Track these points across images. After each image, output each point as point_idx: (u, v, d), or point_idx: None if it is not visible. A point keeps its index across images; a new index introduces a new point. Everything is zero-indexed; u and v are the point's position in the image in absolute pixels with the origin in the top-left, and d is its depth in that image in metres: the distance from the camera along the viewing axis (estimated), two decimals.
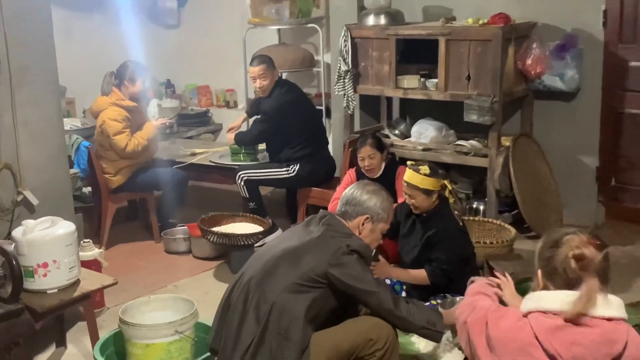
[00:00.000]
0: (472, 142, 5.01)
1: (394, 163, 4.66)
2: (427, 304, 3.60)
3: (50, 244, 3.29)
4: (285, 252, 2.84)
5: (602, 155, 5.10)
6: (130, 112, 4.96)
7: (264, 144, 5.32)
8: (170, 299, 3.36)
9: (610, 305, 1.95)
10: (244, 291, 2.80)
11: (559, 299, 1.96)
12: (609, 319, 1.93)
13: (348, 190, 3.04)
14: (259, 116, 5.33)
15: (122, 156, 4.93)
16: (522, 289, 2.72)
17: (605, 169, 5.11)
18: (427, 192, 3.63)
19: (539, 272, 2.05)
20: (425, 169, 3.62)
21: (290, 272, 2.77)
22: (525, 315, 2.01)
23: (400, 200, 4.18)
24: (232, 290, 2.89)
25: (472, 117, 4.65)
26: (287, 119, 5.00)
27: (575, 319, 1.92)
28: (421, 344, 3.13)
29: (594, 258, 1.94)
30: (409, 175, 3.66)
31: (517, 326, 1.99)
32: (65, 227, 3.39)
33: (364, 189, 3.00)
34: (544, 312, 1.97)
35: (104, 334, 3.35)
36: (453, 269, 3.60)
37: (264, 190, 5.39)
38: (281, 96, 5.05)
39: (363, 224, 2.94)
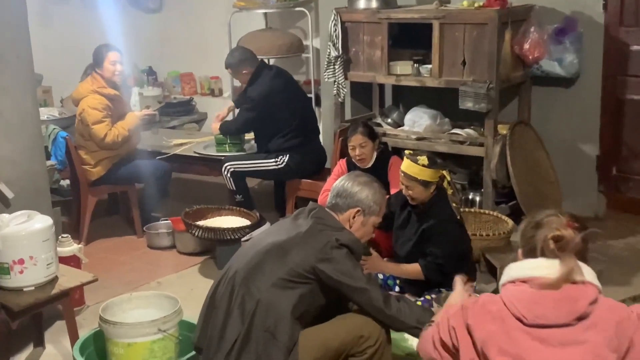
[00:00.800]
0: (468, 130, 5.02)
1: (386, 153, 4.65)
2: (422, 299, 3.62)
3: (26, 239, 3.28)
4: (271, 246, 2.83)
5: (602, 144, 5.12)
6: (112, 100, 4.94)
7: (252, 133, 5.30)
8: (153, 296, 3.36)
9: (582, 273, 2.10)
10: (229, 287, 2.80)
11: (524, 267, 2.14)
12: (574, 282, 2.07)
13: (339, 181, 3.04)
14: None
15: (101, 146, 4.92)
16: None
17: (606, 157, 5.13)
18: (425, 184, 3.63)
19: (520, 250, 2.21)
20: (423, 159, 3.61)
21: (277, 267, 2.76)
22: (500, 290, 2.19)
23: (393, 191, 4.19)
24: (217, 287, 2.88)
25: (467, 104, 4.66)
26: (275, 106, 4.98)
27: (539, 284, 2.08)
28: (414, 342, 3.14)
29: (572, 239, 2.09)
30: (406, 165, 3.65)
31: (490, 299, 2.17)
32: (42, 222, 3.37)
33: (355, 180, 3.00)
34: (513, 282, 2.15)
35: (83, 333, 3.34)
36: (448, 263, 3.60)
37: (251, 182, 5.39)
38: (268, 81, 5.03)
39: (354, 217, 2.94)
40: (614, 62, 4.99)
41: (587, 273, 2.12)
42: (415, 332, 2.76)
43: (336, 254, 2.76)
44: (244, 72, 5.10)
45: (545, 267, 2.11)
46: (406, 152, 3.80)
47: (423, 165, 3.60)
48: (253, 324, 2.70)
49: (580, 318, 2.06)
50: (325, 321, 2.82)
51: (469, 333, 2.15)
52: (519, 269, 2.17)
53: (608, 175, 5.17)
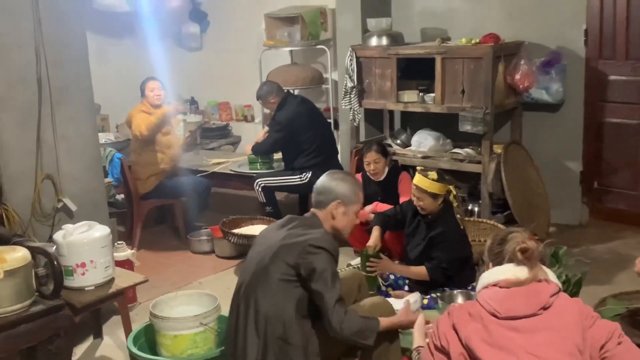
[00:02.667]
0: (467, 150, 5.00)
1: (397, 168, 4.67)
2: (428, 296, 3.61)
3: (87, 246, 3.31)
4: (264, 254, 2.73)
5: (585, 161, 5.08)
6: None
7: (280, 153, 5.32)
8: (195, 294, 3.36)
9: (545, 273, 2.24)
10: (241, 302, 2.73)
11: (494, 273, 2.26)
12: (538, 281, 2.20)
13: (318, 181, 2.93)
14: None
15: (141, 139, 4.94)
16: None
17: (589, 173, 5.09)
18: (434, 196, 3.65)
19: (490, 264, 2.32)
20: (433, 174, 3.65)
21: (272, 273, 2.67)
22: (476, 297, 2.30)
23: (402, 200, 4.22)
24: (234, 300, 2.81)
25: (466, 127, 4.64)
26: (300, 129, 4.99)
27: (511, 283, 2.21)
28: None
29: (536, 249, 2.23)
30: (418, 179, 3.68)
31: (469, 304, 2.28)
32: (100, 231, 3.41)
33: (331, 177, 2.89)
34: (487, 287, 2.25)
35: (136, 327, 3.36)
36: (451, 267, 3.61)
37: (279, 196, 5.39)
38: (293, 108, 5.05)
39: (336, 209, 2.84)
40: (594, 90, 4.95)
41: (549, 274, 2.25)
42: (353, 341, 2.66)
43: (312, 257, 2.63)
44: (272, 101, 5.12)
45: (512, 271, 2.23)
46: (418, 168, 3.83)
47: (433, 180, 3.62)
48: (267, 336, 2.63)
49: (545, 307, 2.16)
50: None
51: (455, 332, 2.22)
52: (490, 275, 2.27)
53: (590, 188, 5.12)
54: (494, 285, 2.24)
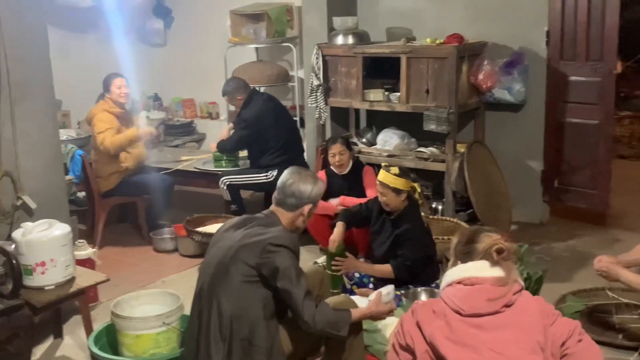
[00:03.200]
0: (431, 148, 5.04)
1: (360, 163, 4.74)
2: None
3: (47, 245, 3.26)
4: (224, 256, 2.70)
5: (546, 160, 5.16)
6: (119, 118, 4.94)
7: (245, 151, 5.29)
8: (158, 294, 3.33)
9: (517, 274, 2.30)
10: (203, 305, 2.69)
11: (457, 271, 2.30)
12: (503, 283, 2.23)
13: (286, 179, 2.87)
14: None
15: (103, 156, 4.88)
16: None
17: (549, 172, 5.17)
18: (397, 191, 3.68)
19: (458, 262, 2.35)
20: (395, 169, 3.69)
21: (234, 275, 2.65)
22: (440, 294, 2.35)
23: (368, 193, 4.29)
24: (194, 303, 2.78)
25: (431, 126, 4.68)
26: (265, 127, 4.97)
27: (474, 282, 2.24)
28: (387, 332, 3.14)
29: (511, 249, 2.29)
30: (382, 175, 3.71)
31: (433, 302, 2.33)
32: (61, 229, 3.35)
33: (302, 178, 2.84)
34: (450, 285, 2.30)
35: (97, 326, 3.31)
36: (416, 265, 3.64)
37: (245, 194, 5.37)
38: (260, 105, 5.04)
39: (308, 211, 2.83)
40: (555, 90, 5.04)
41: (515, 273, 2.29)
42: (326, 333, 2.66)
43: (274, 256, 2.62)
44: (238, 98, 5.10)
45: (478, 269, 2.26)
46: (382, 164, 3.87)
47: (395, 175, 3.65)
48: (232, 339, 2.60)
49: (507, 305, 2.20)
50: None
51: (420, 330, 2.24)
52: (452, 273, 2.32)
53: (551, 187, 5.21)
54: (458, 282, 2.27)
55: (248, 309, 2.62)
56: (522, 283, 2.30)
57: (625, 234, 4.89)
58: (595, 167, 4.99)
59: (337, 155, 4.55)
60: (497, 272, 2.25)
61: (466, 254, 2.31)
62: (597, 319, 3.63)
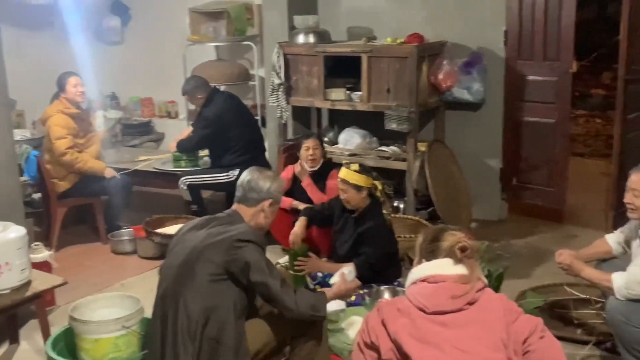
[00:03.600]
0: (393, 147, 5.07)
1: (329, 164, 4.74)
2: (356, 293, 3.63)
3: (2, 248, 3.16)
4: (188, 258, 2.67)
5: (504, 158, 5.24)
6: (75, 119, 4.84)
7: (206, 151, 5.24)
8: (117, 297, 3.27)
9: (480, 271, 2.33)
10: (168, 308, 2.64)
11: (421, 269, 2.33)
12: (466, 282, 2.26)
13: (246, 176, 2.90)
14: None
15: (57, 161, 4.78)
16: None
17: (508, 170, 5.25)
18: (357, 188, 3.69)
19: (423, 260, 2.36)
20: (355, 166, 3.73)
21: (200, 275, 2.62)
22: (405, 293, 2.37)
23: (329, 196, 4.29)
24: (157, 307, 2.74)
25: (392, 125, 4.71)
26: (227, 126, 4.93)
27: (438, 279, 2.27)
28: (350, 332, 3.14)
29: (474, 247, 2.32)
30: (342, 172, 3.74)
31: (398, 300, 2.35)
32: (16, 231, 3.26)
33: (262, 175, 2.87)
34: (414, 283, 2.32)
35: (55, 331, 3.23)
36: (379, 263, 3.65)
37: (205, 194, 5.32)
38: (221, 104, 4.99)
39: (267, 207, 2.84)
40: (513, 89, 5.12)
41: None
42: (310, 318, 2.69)
43: (242, 252, 2.61)
44: (198, 97, 5.04)
45: (442, 266, 2.28)
46: (344, 161, 3.89)
47: (355, 171, 3.68)
48: (202, 340, 2.58)
49: (471, 303, 2.22)
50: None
51: (384, 328, 2.25)
52: (418, 271, 2.33)
53: (509, 184, 5.29)
54: (422, 280, 2.29)
55: (217, 309, 2.59)
56: (485, 281, 2.33)
57: (581, 230, 4.99)
58: (553, 165, 5.08)
59: (311, 149, 4.55)
60: (461, 269, 2.28)
61: (430, 253, 2.34)
62: (556, 315, 3.70)
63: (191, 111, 6.38)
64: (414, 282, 2.33)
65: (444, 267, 2.29)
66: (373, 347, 2.27)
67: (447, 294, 2.23)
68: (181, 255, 2.71)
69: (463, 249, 2.29)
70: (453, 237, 2.32)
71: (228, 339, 2.58)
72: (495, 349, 2.16)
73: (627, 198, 3.02)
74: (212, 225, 2.78)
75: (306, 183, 4.52)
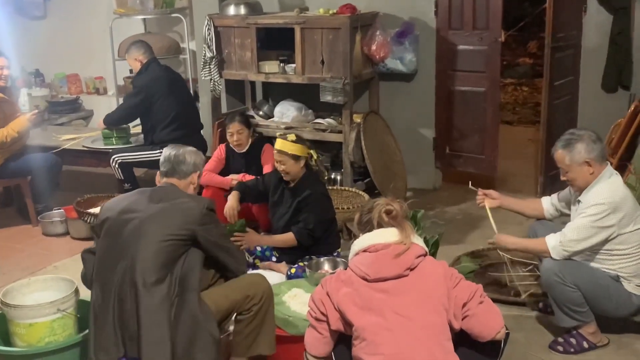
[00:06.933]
0: (329, 120, 5.07)
1: (261, 140, 4.67)
2: (295, 265, 3.64)
3: None
4: (145, 230, 2.64)
5: (437, 127, 5.32)
6: None
7: (139, 128, 5.08)
8: (50, 279, 3.17)
9: (413, 237, 2.36)
10: (127, 286, 2.59)
11: (363, 240, 2.36)
12: (402, 243, 2.30)
13: (170, 151, 2.90)
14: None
15: None
16: None
17: (441, 139, 5.34)
18: (295, 158, 3.70)
19: (360, 234, 2.41)
20: (292, 136, 3.74)
21: (161, 244, 2.60)
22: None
23: (265, 171, 4.24)
24: (109, 290, 2.64)
25: (327, 97, 4.70)
26: (157, 96, 4.74)
27: (379, 248, 2.30)
28: (291, 304, 3.15)
29: (400, 209, 2.37)
30: (279, 143, 3.72)
31: (341, 272, 2.38)
32: None
33: (184, 149, 2.92)
34: (357, 254, 2.36)
35: None
36: (317, 229, 3.67)
37: (139, 172, 5.19)
38: (154, 73, 4.80)
39: (195, 179, 2.91)
40: (444, 59, 5.18)
41: (415, 237, 2.36)
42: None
43: (211, 219, 2.74)
44: (136, 58, 4.80)
45: (380, 235, 2.32)
46: (277, 134, 3.86)
47: (292, 141, 3.68)
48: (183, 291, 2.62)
49: (411, 268, 2.26)
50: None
51: (330, 299, 2.29)
52: (359, 242, 2.37)
53: (443, 153, 5.38)
54: (364, 251, 2.32)
55: (190, 273, 2.64)
56: (425, 247, 2.37)
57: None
58: (483, 133, 5.20)
59: (235, 134, 4.44)
60: (397, 235, 2.32)
61: (365, 225, 2.39)
62: (491, 278, 3.81)
63: (120, 87, 6.20)
64: (356, 254, 2.36)
65: (383, 235, 2.32)
66: (323, 319, 2.31)
67: (387, 261, 2.26)
68: (134, 230, 2.65)
69: (388, 212, 2.34)
70: (378, 204, 2.39)
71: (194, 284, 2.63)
72: (435, 313, 2.21)
73: (562, 176, 3.12)
74: (161, 196, 2.74)
75: (240, 178, 4.39)
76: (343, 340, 2.34)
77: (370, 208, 2.41)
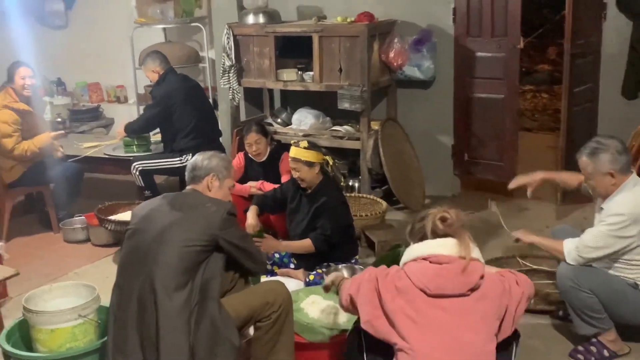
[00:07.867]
0: (346, 127, 5.08)
1: (279, 149, 4.68)
2: (314, 272, 3.65)
3: None
4: (167, 236, 2.67)
5: (456, 135, 5.31)
6: (22, 114, 4.69)
7: (158, 136, 5.14)
8: (71, 286, 3.20)
9: (472, 250, 2.25)
10: (147, 296, 2.62)
11: (424, 247, 2.27)
12: (464, 258, 2.21)
13: (191, 159, 3.02)
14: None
15: (8, 157, 4.65)
16: (394, 255, 2.81)
17: (459, 146, 5.33)
18: (309, 164, 3.70)
19: (412, 243, 2.33)
20: (304, 143, 3.77)
21: (184, 251, 2.63)
22: (403, 268, 2.30)
23: (283, 180, 4.25)
24: (126, 297, 2.69)
25: (345, 105, 4.71)
26: (176, 106, 4.80)
27: (442, 260, 2.21)
28: (310, 311, 3.15)
29: (456, 216, 2.27)
30: (292, 151, 3.74)
31: (396, 276, 2.26)
32: None
33: (203, 155, 3.00)
34: (415, 260, 2.26)
35: (9, 323, 3.15)
36: (335, 235, 3.67)
37: (159, 179, 5.24)
38: (173, 84, 4.86)
39: (211, 182, 2.93)
40: (462, 66, 5.17)
41: (474, 250, 2.26)
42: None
43: (232, 223, 2.76)
44: (153, 69, 4.87)
45: (441, 246, 2.23)
46: (292, 142, 3.88)
47: (305, 148, 3.69)
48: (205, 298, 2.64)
49: (473, 289, 2.17)
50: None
51: (379, 298, 2.23)
52: (419, 248, 2.27)
53: (461, 160, 5.36)
54: (424, 259, 2.24)
55: (214, 277, 2.67)
56: (482, 260, 2.28)
57: (531, 203, 5.09)
58: (502, 140, 5.17)
59: (253, 145, 4.46)
60: (456, 245, 2.24)
61: (418, 231, 2.31)
62: None
63: (141, 95, 6.27)
64: (414, 259, 2.27)
65: (444, 245, 2.24)
66: (352, 303, 2.33)
67: (451, 277, 2.18)
68: (157, 235, 2.68)
69: (443, 219, 2.25)
70: (432, 212, 2.30)
71: (215, 292, 2.65)
72: (490, 341, 2.17)
73: (584, 182, 3.11)
74: (181, 203, 2.79)
75: (259, 187, 4.44)
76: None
77: (423, 216, 2.32)
